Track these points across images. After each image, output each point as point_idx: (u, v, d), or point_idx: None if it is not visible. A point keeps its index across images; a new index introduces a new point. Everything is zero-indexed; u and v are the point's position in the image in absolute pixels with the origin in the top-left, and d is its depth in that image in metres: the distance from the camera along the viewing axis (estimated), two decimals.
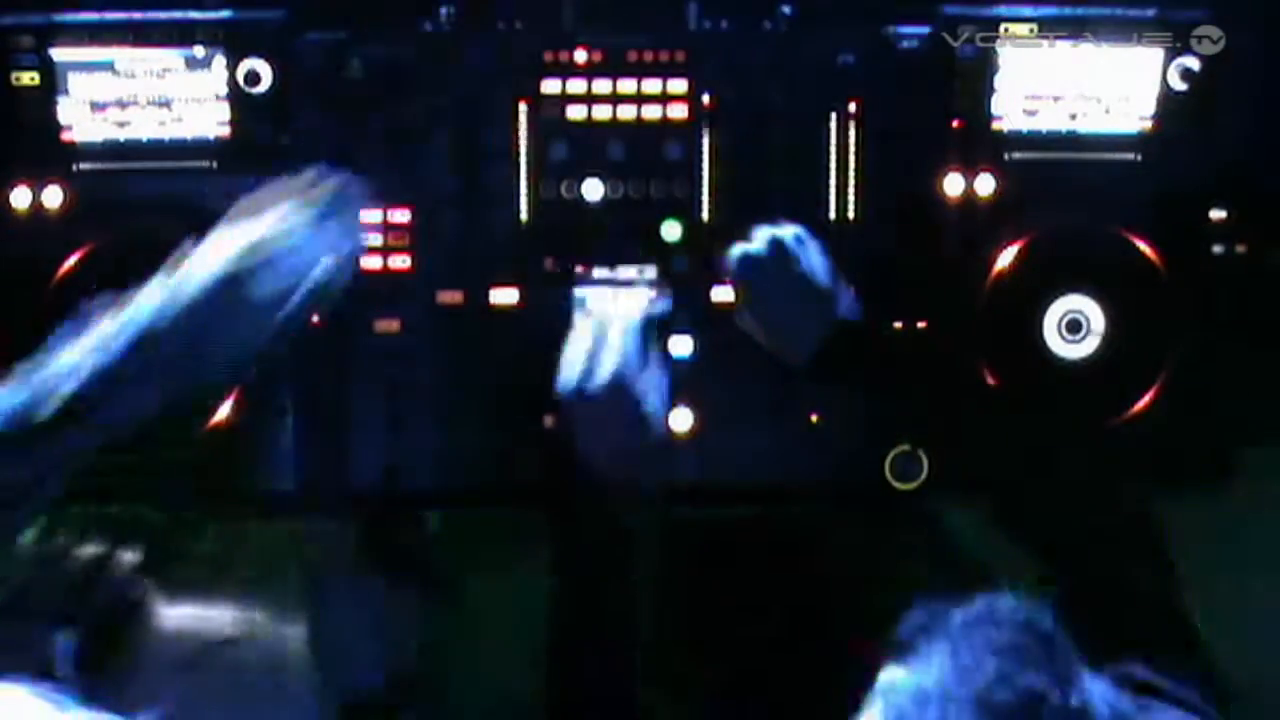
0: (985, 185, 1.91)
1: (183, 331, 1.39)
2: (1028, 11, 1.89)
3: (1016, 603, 1.16)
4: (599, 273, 1.89)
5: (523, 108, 1.86)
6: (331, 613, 1.96)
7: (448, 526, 2.39)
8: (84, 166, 1.88)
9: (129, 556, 1.89)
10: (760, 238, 1.74)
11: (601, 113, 1.88)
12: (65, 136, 1.87)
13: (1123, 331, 1.90)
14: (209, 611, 1.84)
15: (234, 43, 1.86)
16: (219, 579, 1.91)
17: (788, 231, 1.74)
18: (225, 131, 1.87)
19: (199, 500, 1.96)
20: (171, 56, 1.86)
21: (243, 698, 1.77)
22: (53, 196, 1.87)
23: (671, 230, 1.89)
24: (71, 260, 1.84)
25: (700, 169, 1.89)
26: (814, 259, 1.73)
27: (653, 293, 1.88)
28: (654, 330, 1.72)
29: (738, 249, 1.75)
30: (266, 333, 1.44)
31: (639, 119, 1.88)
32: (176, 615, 1.84)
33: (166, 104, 1.87)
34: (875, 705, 1.11)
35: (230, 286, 1.41)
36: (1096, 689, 1.10)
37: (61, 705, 1.01)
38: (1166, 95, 1.90)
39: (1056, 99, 1.91)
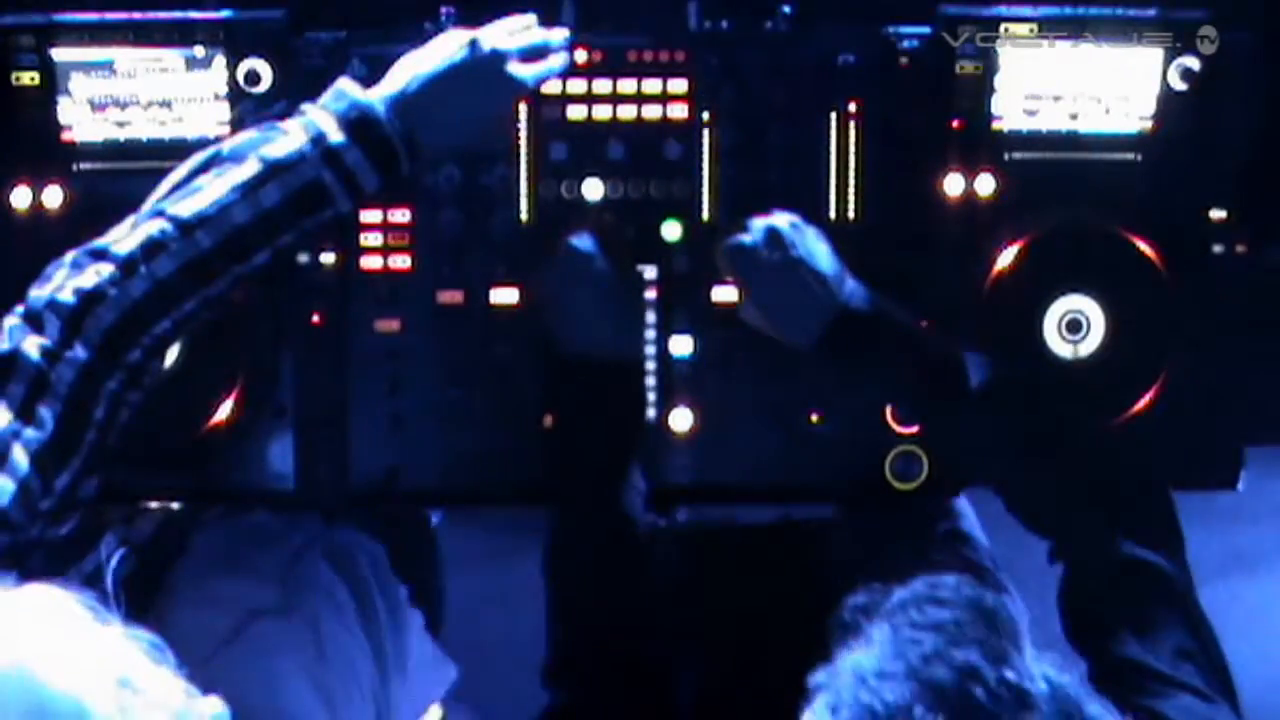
0: (985, 185, 1.91)
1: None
2: (1028, 11, 1.89)
3: (959, 581, 1.16)
4: None
5: (523, 108, 1.86)
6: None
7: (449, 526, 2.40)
8: (84, 166, 1.88)
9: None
10: (754, 228, 1.74)
11: (601, 113, 1.88)
12: (65, 136, 1.87)
13: (1123, 331, 1.89)
14: (249, 582, 1.85)
15: (234, 43, 1.85)
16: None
17: (781, 219, 1.74)
18: (225, 131, 1.87)
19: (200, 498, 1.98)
20: (171, 56, 1.86)
21: (275, 672, 1.78)
22: (53, 196, 1.87)
23: (671, 230, 1.89)
24: None
25: (700, 169, 1.89)
26: (810, 244, 1.72)
27: (652, 293, 1.88)
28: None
29: (731, 241, 1.75)
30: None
31: (639, 119, 1.88)
32: (217, 582, 1.85)
33: (166, 104, 1.87)
34: (819, 692, 1.12)
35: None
36: (1039, 667, 1.10)
37: (100, 613, 1.01)
38: (1166, 95, 1.89)
39: (1056, 99, 1.91)
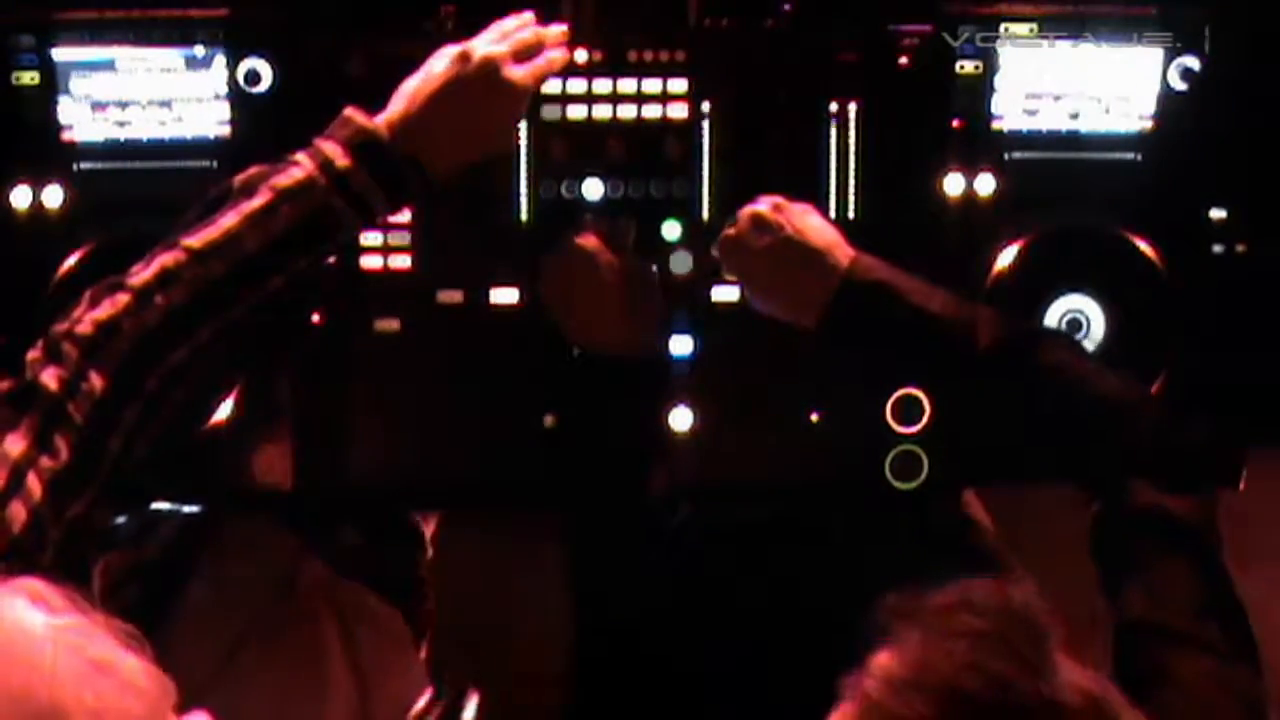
0: (985, 185, 1.91)
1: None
2: (1028, 11, 1.89)
3: (994, 588, 1.16)
4: None
5: None
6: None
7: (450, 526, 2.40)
8: (84, 166, 1.88)
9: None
10: (739, 218, 1.71)
11: (601, 113, 1.88)
12: (65, 136, 1.87)
13: (1123, 331, 1.90)
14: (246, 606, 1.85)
15: (234, 43, 1.85)
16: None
17: (763, 203, 1.71)
18: (225, 131, 1.87)
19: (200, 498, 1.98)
20: (171, 56, 1.86)
21: (282, 690, 1.78)
22: (53, 196, 1.87)
23: (671, 230, 1.89)
24: (71, 260, 1.84)
25: (700, 169, 1.89)
26: (799, 221, 1.70)
27: None
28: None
29: (721, 236, 1.73)
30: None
31: (639, 119, 1.88)
32: (223, 599, 1.86)
33: (166, 104, 1.87)
34: (852, 693, 1.11)
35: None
36: (1074, 677, 1.09)
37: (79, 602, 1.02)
38: (1166, 95, 1.90)
39: (1056, 99, 1.91)
